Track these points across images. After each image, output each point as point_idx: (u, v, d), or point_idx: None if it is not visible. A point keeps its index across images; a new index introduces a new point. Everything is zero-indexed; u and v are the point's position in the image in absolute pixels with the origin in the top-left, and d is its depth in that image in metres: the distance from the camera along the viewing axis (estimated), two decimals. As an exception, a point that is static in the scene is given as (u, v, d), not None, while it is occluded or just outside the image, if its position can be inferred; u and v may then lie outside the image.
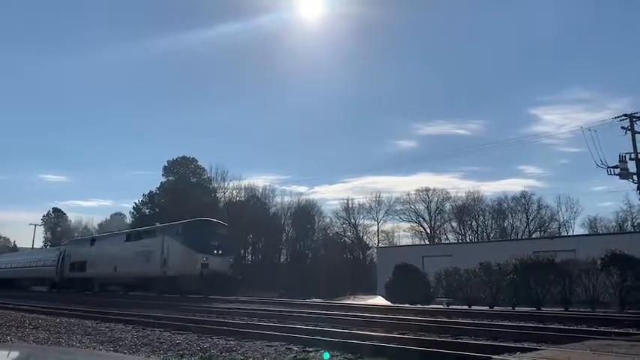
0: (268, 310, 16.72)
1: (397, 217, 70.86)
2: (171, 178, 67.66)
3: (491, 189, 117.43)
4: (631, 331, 10.18)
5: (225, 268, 25.98)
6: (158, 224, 33.45)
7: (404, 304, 21.66)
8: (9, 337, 10.40)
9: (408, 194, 70.97)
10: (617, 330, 10.17)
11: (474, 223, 69.97)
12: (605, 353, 6.24)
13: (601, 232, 58.04)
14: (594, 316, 14.04)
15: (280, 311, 16.06)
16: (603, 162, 26.30)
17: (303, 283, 52.12)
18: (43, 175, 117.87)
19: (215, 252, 25.75)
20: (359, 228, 70.78)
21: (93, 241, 35.82)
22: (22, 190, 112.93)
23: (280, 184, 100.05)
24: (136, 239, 30.39)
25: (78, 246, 37.09)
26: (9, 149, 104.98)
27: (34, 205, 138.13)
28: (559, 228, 66.17)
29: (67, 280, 36.16)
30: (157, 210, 64.63)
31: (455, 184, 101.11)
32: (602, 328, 10.70)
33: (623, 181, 26.73)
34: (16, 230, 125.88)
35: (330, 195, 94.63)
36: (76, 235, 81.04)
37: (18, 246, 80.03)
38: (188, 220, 28.40)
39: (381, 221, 70.85)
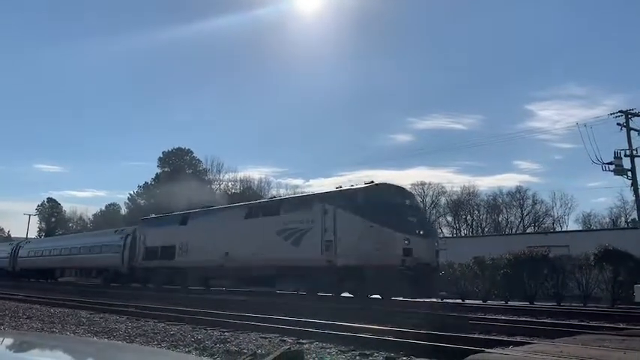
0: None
1: (393, 211, 70.82)
2: (166, 169, 67.51)
3: (487, 184, 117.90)
4: (622, 325, 10.27)
5: (431, 257, 17.26)
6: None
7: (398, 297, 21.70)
8: (2, 327, 10.41)
9: (404, 188, 70.86)
10: (608, 325, 10.26)
11: (468, 217, 70.24)
12: (597, 347, 6.28)
13: (595, 227, 58.36)
14: (587, 311, 14.15)
15: None
16: (598, 158, 26.44)
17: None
18: (37, 165, 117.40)
19: (417, 232, 17.17)
20: (354, 221, 70.73)
21: (185, 218, 26.09)
22: (17, 180, 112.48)
23: (276, 177, 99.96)
24: (268, 214, 21.19)
25: (158, 226, 27.79)
26: (4, 139, 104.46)
27: (28, 195, 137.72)
28: (553, 223, 66.56)
29: (140, 270, 27.82)
30: (152, 201, 64.53)
31: (450, 179, 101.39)
32: (594, 323, 10.80)
33: (618, 177, 26.87)
34: (10, 220, 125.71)
35: (325, 189, 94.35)
36: (71, 225, 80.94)
37: (12, 236, 79.76)
38: (367, 185, 19.00)
39: (377, 215, 70.81)
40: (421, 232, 17.27)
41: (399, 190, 19.62)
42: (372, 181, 19.24)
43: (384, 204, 17.67)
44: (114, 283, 30.28)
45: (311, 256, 18.34)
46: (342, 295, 18.03)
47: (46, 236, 65.94)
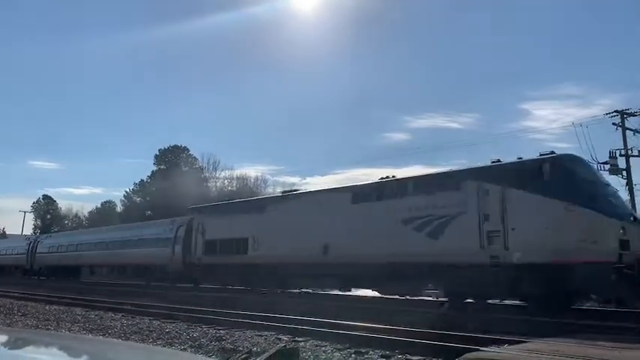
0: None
1: (389, 209, 70.86)
2: (162, 166, 67.37)
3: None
4: (616, 324, 10.32)
5: None
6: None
7: (393, 295, 21.72)
8: (-3, 324, 10.37)
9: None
10: (603, 323, 10.31)
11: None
12: (592, 346, 6.32)
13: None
14: (581, 309, 14.20)
15: None
16: (593, 158, 26.43)
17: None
18: (33, 161, 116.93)
19: (630, 217, 13.48)
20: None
21: (262, 205, 21.63)
22: (12, 177, 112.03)
23: (272, 175, 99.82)
24: (388, 197, 16.64)
25: (222, 215, 22.99)
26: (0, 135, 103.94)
27: (24, 192, 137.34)
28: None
29: (198, 268, 23.15)
30: (148, 198, 64.44)
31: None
32: (588, 322, 10.84)
33: (613, 176, 26.92)
34: (5, 217, 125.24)
35: (321, 186, 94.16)
36: (66, 223, 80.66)
37: (7, 233, 79.45)
38: (549, 155, 14.05)
39: (373, 213, 70.79)
40: (632, 218, 13.40)
41: (587, 163, 15.10)
42: (552, 152, 14.41)
43: (581, 180, 13.37)
44: (159, 283, 25.57)
45: (461, 250, 14.13)
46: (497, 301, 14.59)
47: (41, 233, 65.54)
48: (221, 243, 22.05)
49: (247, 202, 23.54)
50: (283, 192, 21.92)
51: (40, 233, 69.35)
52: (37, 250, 38.98)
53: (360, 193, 17.79)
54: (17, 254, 41.76)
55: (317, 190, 20.79)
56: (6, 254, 44.02)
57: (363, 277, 16.74)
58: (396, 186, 16.91)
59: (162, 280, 25.61)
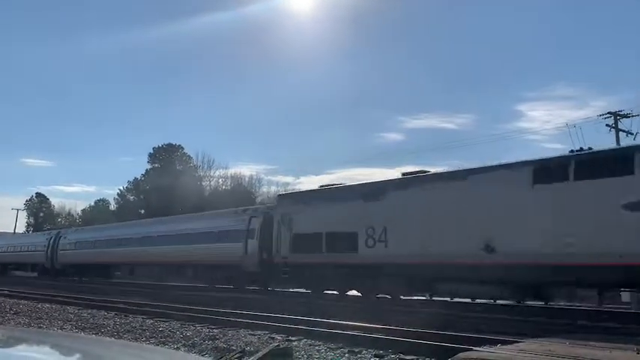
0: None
1: (383, 209, 70.89)
2: (156, 165, 67.19)
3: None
4: (608, 325, 10.40)
5: None
6: None
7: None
8: (-11, 322, 10.31)
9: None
10: (595, 324, 10.38)
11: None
12: (583, 346, 6.35)
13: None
14: (575, 309, 14.29)
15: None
16: (587, 159, 26.59)
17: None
18: (26, 159, 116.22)
19: None
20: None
21: (378, 190, 16.97)
22: (5, 175, 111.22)
23: (266, 174, 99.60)
24: (598, 174, 12.15)
25: (317, 203, 18.77)
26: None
27: (16, 190, 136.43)
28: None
29: (285, 269, 18.81)
30: (141, 197, 64.23)
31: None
32: (581, 322, 10.91)
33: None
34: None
35: (316, 186, 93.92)
36: (59, 220, 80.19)
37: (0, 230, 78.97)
38: None
39: (367, 213, 70.76)
40: None
41: None
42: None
43: None
44: (231, 286, 21.67)
45: None
46: None
47: (34, 232, 64.98)
48: (315, 238, 17.97)
49: (357, 187, 18.79)
50: (403, 174, 17.73)
51: (32, 231, 68.94)
52: (60, 247, 34.12)
53: (545, 171, 13.23)
54: (34, 251, 37.14)
55: (470, 169, 15.70)
56: (20, 251, 39.59)
57: (551, 283, 13.11)
58: (612, 158, 12.43)
59: (229, 282, 21.96)
